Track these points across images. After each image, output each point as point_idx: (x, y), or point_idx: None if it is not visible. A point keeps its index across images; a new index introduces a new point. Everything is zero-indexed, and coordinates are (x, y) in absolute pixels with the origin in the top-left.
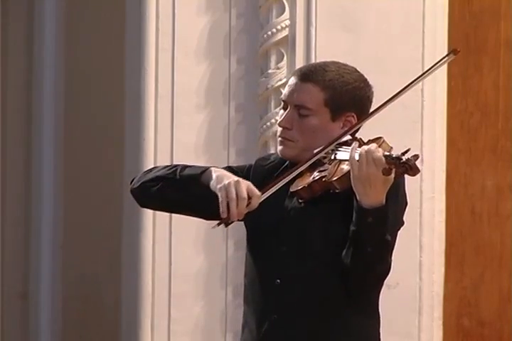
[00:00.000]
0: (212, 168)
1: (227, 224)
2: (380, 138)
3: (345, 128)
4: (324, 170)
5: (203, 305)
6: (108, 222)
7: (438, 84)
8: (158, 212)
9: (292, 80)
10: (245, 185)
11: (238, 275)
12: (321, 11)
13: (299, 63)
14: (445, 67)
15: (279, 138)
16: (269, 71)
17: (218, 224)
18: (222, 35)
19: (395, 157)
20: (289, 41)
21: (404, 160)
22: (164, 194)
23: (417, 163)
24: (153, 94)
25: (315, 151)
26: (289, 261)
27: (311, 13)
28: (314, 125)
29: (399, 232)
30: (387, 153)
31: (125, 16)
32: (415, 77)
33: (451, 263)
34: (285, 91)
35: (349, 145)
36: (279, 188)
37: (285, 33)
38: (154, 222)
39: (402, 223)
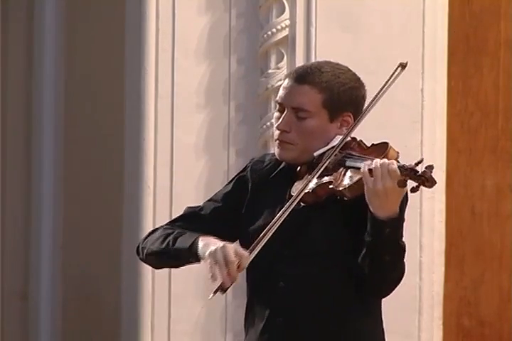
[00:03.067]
0: (200, 238)
1: (223, 291)
2: (386, 143)
3: (343, 128)
4: (329, 175)
5: (203, 305)
6: (108, 222)
7: (438, 84)
8: (158, 211)
9: (288, 82)
10: (232, 248)
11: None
12: (321, 11)
13: (299, 63)
14: (445, 67)
15: (277, 141)
16: (269, 71)
17: (214, 293)
18: (222, 35)
19: (410, 168)
20: (289, 41)
21: (420, 172)
22: (168, 264)
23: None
24: (153, 94)
25: (315, 154)
26: (292, 264)
27: (311, 13)
28: (313, 127)
29: None
30: (402, 165)
31: (125, 16)
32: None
33: (451, 263)
34: (280, 93)
35: (351, 148)
36: (278, 192)
37: (285, 33)
38: (154, 222)
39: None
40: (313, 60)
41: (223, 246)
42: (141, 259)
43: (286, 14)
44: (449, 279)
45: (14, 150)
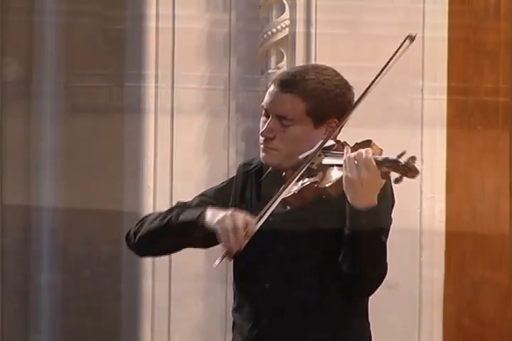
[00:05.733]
0: (207, 209)
1: (230, 256)
2: (370, 141)
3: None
4: (313, 176)
5: (203, 305)
6: (108, 222)
7: (438, 84)
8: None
9: (273, 89)
10: (240, 215)
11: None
12: (321, 11)
13: (299, 63)
14: (445, 67)
15: (262, 146)
16: (269, 71)
17: (221, 259)
18: (222, 35)
19: (393, 160)
20: (289, 41)
21: (403, 162)
22: (165, 244)
23: (417, 162)
24: (153, 95)
25: (300, 157)
26: (278, 266)
27: (311, 13)
28: (297, 134)
29: (399, 232)
30: (385, 157)
31: (125, 16)
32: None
33: (451, 263)
34: (266, 99)
35: (335, 150)
36: (266, 196)
37: (285, 33)
38: None
39: (391, 222)
40: (313, 60)
41: (232, 214)
42: (131, 245)
43: (286, 14)
44: (449, 279)
45: (14, 150)
